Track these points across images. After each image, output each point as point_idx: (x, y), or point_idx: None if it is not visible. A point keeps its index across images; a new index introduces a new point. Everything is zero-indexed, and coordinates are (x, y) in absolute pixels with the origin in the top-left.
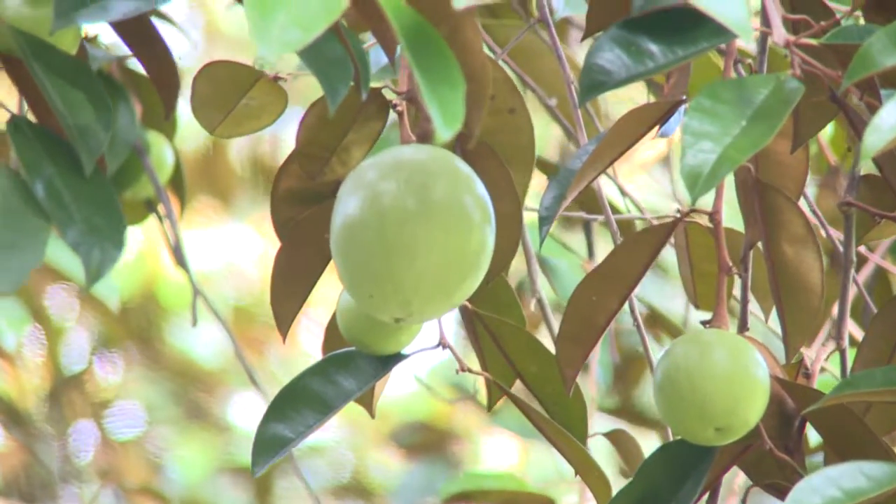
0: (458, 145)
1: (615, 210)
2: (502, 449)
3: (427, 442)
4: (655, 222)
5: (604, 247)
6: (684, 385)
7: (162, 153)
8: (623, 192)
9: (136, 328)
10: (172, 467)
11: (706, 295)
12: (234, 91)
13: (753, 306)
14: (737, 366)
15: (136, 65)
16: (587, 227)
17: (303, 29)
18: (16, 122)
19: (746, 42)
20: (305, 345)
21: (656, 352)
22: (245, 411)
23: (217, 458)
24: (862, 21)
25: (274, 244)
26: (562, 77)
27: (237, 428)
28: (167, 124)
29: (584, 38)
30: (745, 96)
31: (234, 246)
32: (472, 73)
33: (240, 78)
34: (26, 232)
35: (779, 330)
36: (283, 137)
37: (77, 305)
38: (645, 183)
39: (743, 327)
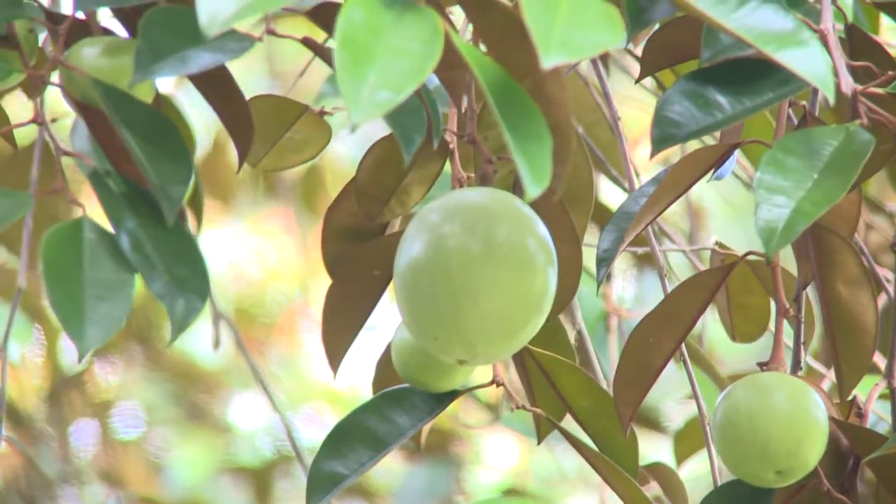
0: (518, 186)
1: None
2: (505, 449)
3: (430, 443)
4: (692, 256)
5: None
6: (745, 428)
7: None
8: (652, 222)
9: (136, 328)
10: (173, 468)
11: (743, 327)
12: (278, 125)
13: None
14: (797, 408)
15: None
16: None
17: (393, 90)
18: (97, 172)
19: (832, 100)
20: (306, 345)
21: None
22: (245, 412)
23: (217, 458)
24: None
25: (274, 244)
26: (588, 105)
27: (237, 429)
28: (187, 143)
29: (638, 80)
30: (814, 149)
31: (234, 247)
32: (556, 127)
33: (284, 112)
34: (113, 285)
35: (812, 363)
36: None
37: None
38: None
39: (797, 367)
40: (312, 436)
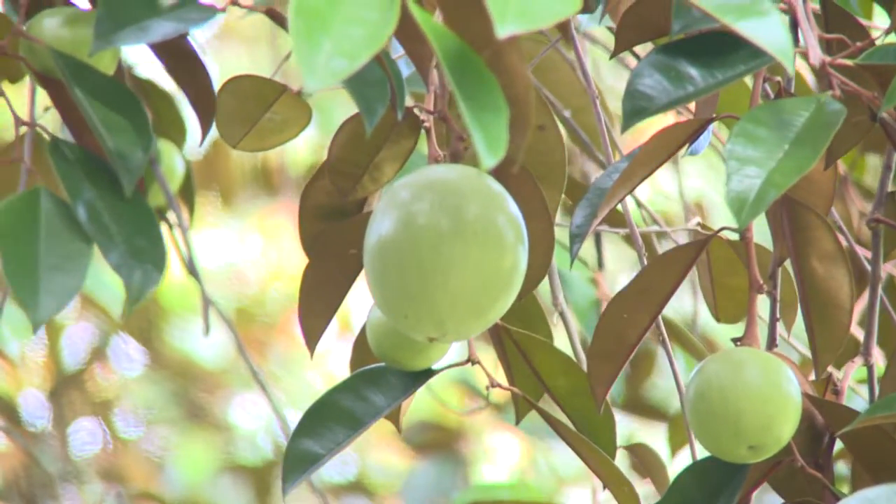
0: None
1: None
2: (508, 447)
3: (433, 441)
4: (673, 234)
5: (610, 254)
6: (717, 403)
7: (173, 162)
8: (639, 204)
9: (136, 328)
10: (173, 467)
11: (727, 308)
12: (257, 105)
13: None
14: (770, 384)
15: (144, 72)
16: (597, 238)
17: (348, 58)
18: (56, 144)
19: (789, 68)
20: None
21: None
22: (246, 411)
23: (217, 457)
24: None
25: (274, 245)
26: (576, 89)
27: (238, 428)
28: (177, 132)
29: (612, 56)
30: (785, 119)
31: (234, 246)
32: (515, 98)
33: (263, 92)
34: (69, 255)
35: (795, 342)
36: None
37: (78, 305)
38: (648, 182)
39: (772, 344)
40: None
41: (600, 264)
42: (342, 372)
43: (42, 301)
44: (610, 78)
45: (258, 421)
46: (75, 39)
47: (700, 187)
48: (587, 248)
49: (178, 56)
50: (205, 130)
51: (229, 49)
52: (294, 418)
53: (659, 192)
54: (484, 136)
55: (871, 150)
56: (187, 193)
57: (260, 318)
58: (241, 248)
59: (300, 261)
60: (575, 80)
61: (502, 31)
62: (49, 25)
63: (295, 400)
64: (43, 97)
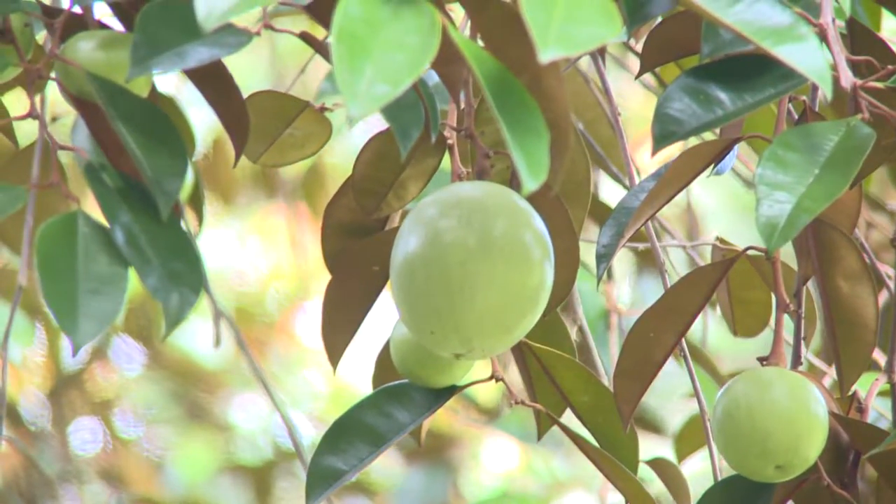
0: (515, 180)
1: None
2: (502, 453)
3: (428, 446)
4: (693, 252)
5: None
6: (745, 423)
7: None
8: (652, 217)
9: (136, 328)
10: (173, 467)
11: (744, 322)
12: (278, 121)
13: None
14: (797, 403)
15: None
16: None
17: (391, 83)
18: (92, 166)
19: (828, 93)
20: (306, 344)
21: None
22: (246, 411)
23: (218, 457)
24: None
25: (273, 245)
26: (588, 101)
27: (238, 428)
28: (186, 141)
29: (638, 76)
30: (815, 144)
31: (235, 246)
32: (554, 122)
33: (285, 108)
34: (107, 279)
35: (810, 356)
36: None
37: None
38: None
39: (797, 362)
40: (313, 434)
41: (609, 275)
42: (342, 371)
43: (81, 325)
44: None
45: (258, 421)
46: (110, 62)
47: (696, 193)
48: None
49: (215, 82)
50: (238, 152)
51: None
52: (294, 418)
53: None
54: (526, 160)
55: None
56: (196, 201)
57: (259, 318)
58: (241, 248)
59: (299, 260)
60: (587, 92)
61: (544, 55)
62: (84, 48)
63: (295, 400)
64: (50, 107)
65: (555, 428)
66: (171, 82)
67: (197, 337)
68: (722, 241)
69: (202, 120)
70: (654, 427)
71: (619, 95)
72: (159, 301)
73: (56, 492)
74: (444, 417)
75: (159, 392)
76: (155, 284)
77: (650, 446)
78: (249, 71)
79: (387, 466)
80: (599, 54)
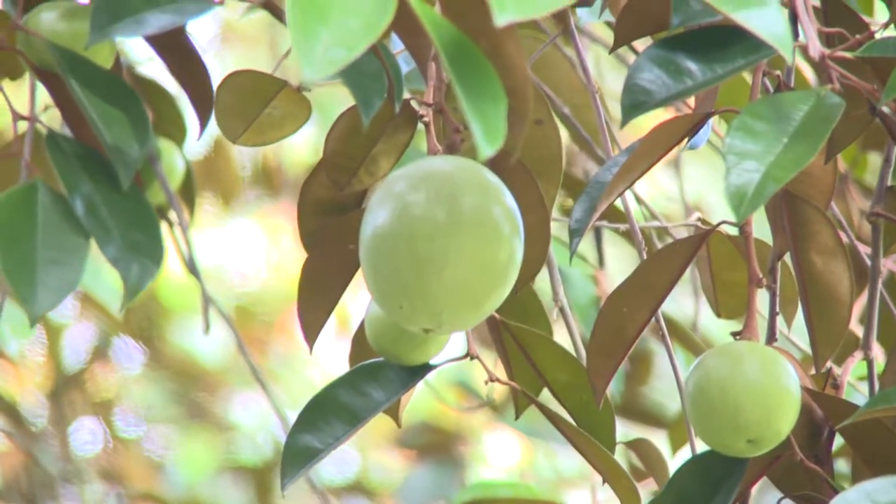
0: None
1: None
2: (507, 449)
3: (433, 443)
4: (674, 231)
5: (611, 252)
6: (716, 397)
7: (173, 160)
8: (639, 200)
9: (136, 328)
10: (173, 466)
11: (727, 303)
12: (256, 100)
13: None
14: (769, 377)
15: (146, 70)
16: (597, 235)
17: (346, 48)
18: (53, 137)
19: (789, 59)
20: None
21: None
22: (246, 410)
23: (218, 457)
24: None
25: (273, 244)
26: (576, 86)
27: (238, 427)
28: (177, 131)
29: (612, 50)
30: (785, 113)
31: (234, 244)
32: (513, 89)
33: (263, 87)
34: (67, 249)
35: (793, 337)
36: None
37: (77, 304)
38: (649, 183)
39: (771, 338)
40: None
41: (601, 262)
42: (342, 370)
43: (39, 295)
44: (610, 77)
45: (259, 420)
46: (73, 33)
47: (700, 189)
48: (588, 246)
49: (178, 53)
50: (202, 126)
51: (230, 49)
52: (294, 417)
53: (660, 193)
54: (482, 126)
55: (872, 148)
56: (187, 192)
57: (260, 317)
58: (241, 247)
59: (300, 260)
60: (575, 77)
61: (501, 19)
62: (46, 19)
63: (295, 398)
64: (44, 95)
65: None
66: (165, 74)
67: (197, 337)
68: (703, 221)
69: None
70: (656, 420)
71: (603, 79)
72: (119, 271)
73: (56, 491)
74: (448, 413)
75: (160, 392)
76: (115, 255)
77: (652, 439)
78: (250, 57)
79: (390, 465)
80: (560, 22)
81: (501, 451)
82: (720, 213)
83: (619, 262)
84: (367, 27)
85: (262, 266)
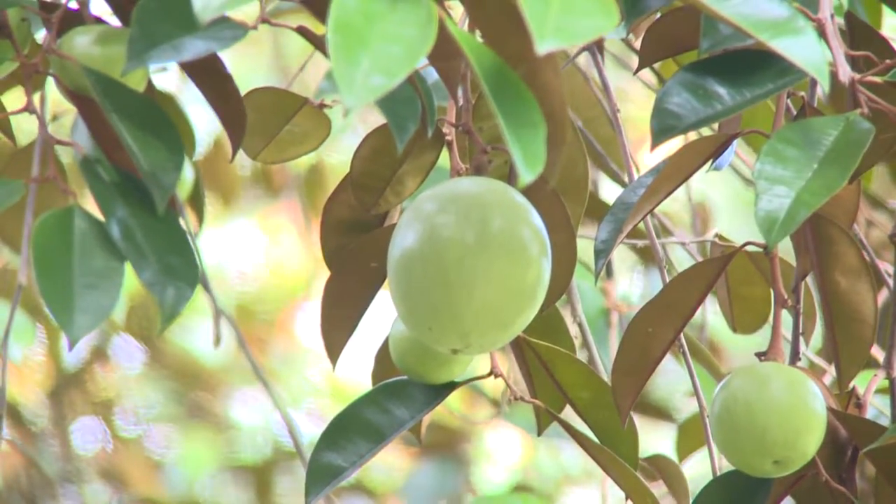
0: (513, 175)
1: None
2: (510, 446)
3: (436, 441)
4: (693, 249)
5: (620, 266)
6: (743, 418)
7: (183, 170)
8: (651, 213)
9: (136, 327)
10: (174, 466)
11: (743, 318)
12: (277, 117)
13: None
14: (795, 398)
15: (155, 80)
16: None
17: (387, 74)
18: (88, 160)
19: (825, 86)
20: (307, 341)
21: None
22: (247, 410)
23: (218, 456)
24: None
25: (274, 243)
26: (588, 99)
27: (238, 426)
28: (184, 139)
29: (637, 71)
30: (814, 138)
31: (235, 244)
32: (551, 114)
33: (284, 105)
34: (103, 273)
35: (810, 354)
36: None
37: None
38: None
39: (795, 357)
40: (314, 432)
41: (609, 273)
42: (342, 370)
43: (77, 320)
44: (610, 77)
45: (259, 419)
46: (107, 57)
47: (702, 189)
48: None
49: (210, 76)
50: (235, 147)
51: (231, 49)
52: (295, 416)
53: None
54: (522, 152)
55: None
56: (196, 200)
57: (260, 316)
58: (242, 247)
59: (300, 259)
60: (588, 90)
61: (541, 47)
62: (80, 43)
63: (295, 398)
64: (52, 106)
65: None
66: (173, 82)
67: (198, 336)
68: (721, 237)
69: (202, 119)
70: (662, 414)
71: (620, 95)
72: (155, 296)
73: (56, 491)
74: (451, 413)
75: (160, 391)
76: (150, 279)
77: (657, 433)
78: (252, 70)
79: (394, 463)
80: (598, 50)
81: (505, 448)
82: (723, 212)
83: (618, 266)
84: (408, 54)
85: (262, 266)
